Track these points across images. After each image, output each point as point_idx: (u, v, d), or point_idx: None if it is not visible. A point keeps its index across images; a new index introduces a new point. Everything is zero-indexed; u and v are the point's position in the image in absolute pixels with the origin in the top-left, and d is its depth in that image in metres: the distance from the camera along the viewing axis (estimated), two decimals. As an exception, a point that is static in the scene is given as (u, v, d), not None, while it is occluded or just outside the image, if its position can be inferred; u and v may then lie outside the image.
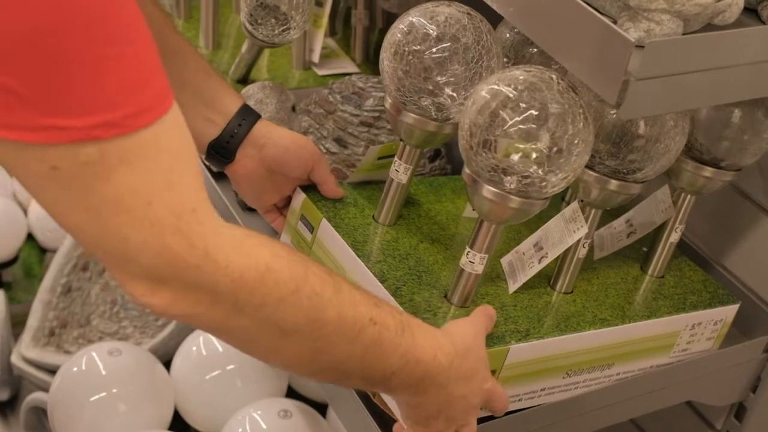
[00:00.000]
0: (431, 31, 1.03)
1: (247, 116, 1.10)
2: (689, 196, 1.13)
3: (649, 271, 1.17)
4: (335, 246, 1.09)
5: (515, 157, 0.93)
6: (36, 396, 1.53)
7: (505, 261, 1.08)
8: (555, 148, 0.93)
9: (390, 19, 1.52)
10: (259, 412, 1.35)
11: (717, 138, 1.08)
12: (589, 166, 1.02)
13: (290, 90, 1.28)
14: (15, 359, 1.61)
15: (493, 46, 1.05)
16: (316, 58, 1.47)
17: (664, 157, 1.02)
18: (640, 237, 1.15)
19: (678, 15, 0.85)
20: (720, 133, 1.08)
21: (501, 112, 0.93)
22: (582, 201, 1.05)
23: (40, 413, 1.56)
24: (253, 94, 1.24)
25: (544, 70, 0.96)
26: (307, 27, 1.37)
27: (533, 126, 0.92)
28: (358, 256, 1.06)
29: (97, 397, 1.40)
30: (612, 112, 1.00)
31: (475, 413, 0.96)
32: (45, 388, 1.51)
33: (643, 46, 0.80)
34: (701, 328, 1.13)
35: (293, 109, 1.21)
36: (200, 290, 0.77)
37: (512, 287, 1.07)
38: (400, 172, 1.10)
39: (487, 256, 1.01)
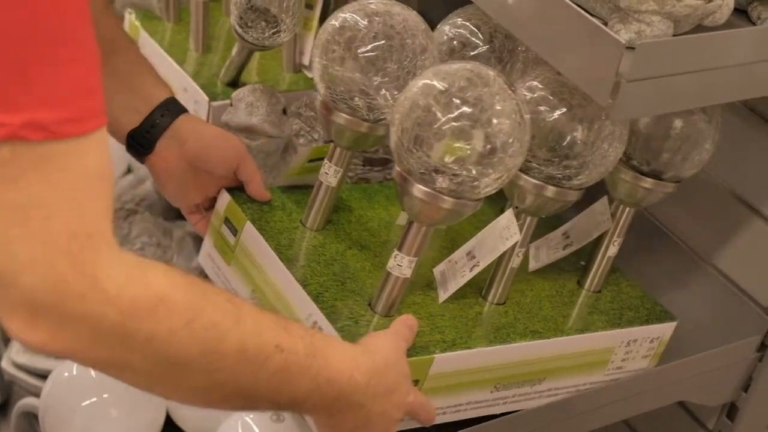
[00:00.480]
0: (364, 28, 1.01)
1: (172, 108, 1.10)
2: (628, 208, 1.11)
3: (586, 285, 1.15)
4: (258, 250, 1.06)
5: (448, 156, 0.91)
6: (27, 401, 1.52)
7: (437, 270, 1.06)
8: (489, 147, 0.91)
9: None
10: (251, 416, 1.35)
11: (657, 148, 1.06)
12: (524, 171, 1.00)
13: (281, 93, 1.27)
14: (5, 364, 1.61)
15: (429, 44, 1.02)
16: (306, 60, 1.47)
17: (601, 163, 0.99)
18: (576, 249, 1.13)
19: (668, 16, 0.85)
20: (660, 143, 1.06)
21: (434, 108, 0.91)
22: (517, 208, 1.03)
23: (31, 418, 1.55)
24: (243, 97, 1.23)
25: (481, 66, 0.94)
26: (298, 30, 1.36)
27: (467, 123, 0.90)
28: (281, 259, 1.03)
29: (88, 402, 1.39)
30: (550, 116, 0.98)
31: (395, 426, 0.94)
32: (36, 393, 1.50)
33: (633, 48, 0.81)
34: (637, 345, 1.11)
35: (284, 112, 1.21)
36: (83, 323, 0.73)
37: (442, 297, 1.04)
38: (329, 174, 1.08)
39: (415, 259, 0.98)
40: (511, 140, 0.92)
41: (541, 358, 1.05)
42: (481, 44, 1.11)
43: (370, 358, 0.91)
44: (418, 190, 0.93)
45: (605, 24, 0.86)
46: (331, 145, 1.07)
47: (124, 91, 1.09)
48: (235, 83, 1.38)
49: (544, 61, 0.91)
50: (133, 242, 1.65)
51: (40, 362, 1.56)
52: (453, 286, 1.03)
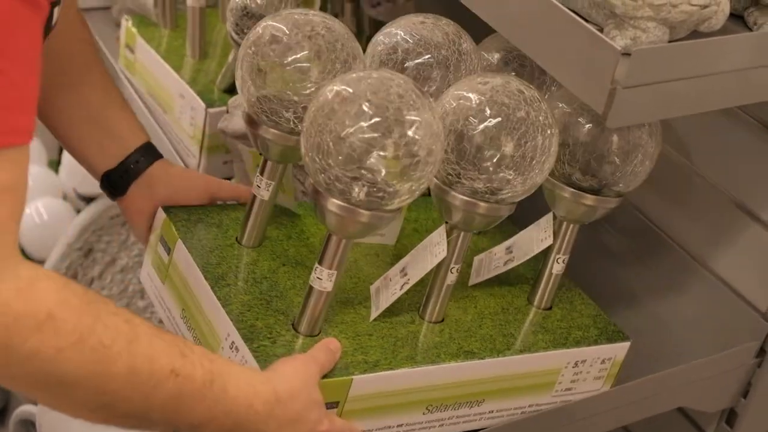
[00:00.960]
0: (285, 36, 0.98)
1: (146, 155, 1.12)
2: (571, 225, 1.07)
3: (535, 303, 1.11)
4: (187, 268, 1.05)
5: (369, 160, 0.88)
6: (25, 408, 1.52)
7: (373, 287, 1.04)
8: (403, 156, 0.89)
9: (377, 26, 1.52)
10: None
11: (597, 164, 1.03)
12: (451, 185, 0.97)
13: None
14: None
15: (358, 52, 1.01)
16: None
17: (530, 177, 0.96)
18: (517, 264, 1.09)
19: (664, 22, 0.85)
20: (600, 158, 1.02)
21: (344, 116, 0.89)
22: (447, 223, 1.00)
23: (29, 426, 1.55)
24: (240, 103, 1.23)
25: (394, 73, 0.92)
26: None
27: (376, 135, 0.88)
28: (206, 278, 1.02)
29: (86, 409, 1.39)
30: (478, 127, 0.95)
31: None
32: (34, 401, 1.50)
33: (629, 54, 0.80)
34: (586, 366, 1.07)
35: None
36: None
37: (373, 314, 1.02)
38: (261, 188, 1.05)
39: (335, 273, 0.96)
40: (424, 149, 0.89)
41: (476, 379, 1.01)
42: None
43: (272, 386, 0.89)
44: (333, 204, 0.92)
45: (601, 30, 0.85)
46: (262, 158, 1.05)
47: (98, 129, 1.11)
48: (231, 90, 1.38)
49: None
50: (131, 248, 1.65)
51: (38, 369, 1.56)
52: (384, 304, 1.01)
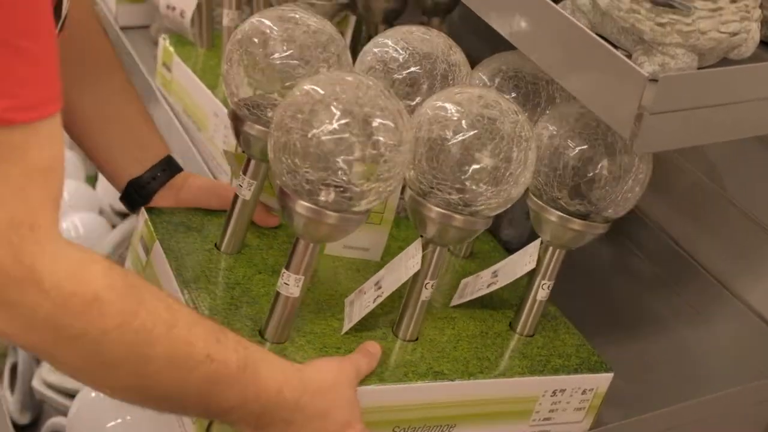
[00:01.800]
0: (273, 34, 0.98)
1: (172, 166, 1.14)
2: (557, 250, 1.04)
3: (518, 329, 1.08)
4: (162, 270, 1.05)
5: (337, 161, 0.88)
6: (56, 420, 1.53)
7: (348, 300, 1.03)
8: (367, 153, 0.88)
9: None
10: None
11: (586, 188, 1.00)
12: (424, 196, 0.96)
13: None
14: (36, 383, 1.63)
15: (346, 55, 1.00)
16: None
17: (506, 188, 0.95)
18: (500, 288, 1.06)
19: (693, 49, 0.85)
20: (588, 182, 0.99)
21: (312, 116, 0.88)
22: (422, 236, 0.99)
23: (59, 438, 1.56)
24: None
25: (366, 76, 0.92)
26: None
27: (345, 136, 0.88)
28: (177, 280, 1.01)
29: (113, 423, 1.40)
30: (452, 137, 0.93)
31: None
32: (65, 413, 1.51)
33: (657, 80, 0.80)
34: (566, 395, 1.04)
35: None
36: (18, 309, 0.75)
37: (345, 327, 1.01)
38: (243, 187, 1.04)
39: (302, 278, 0.95)
40: (391, 150, 0.89)
41: (445, 401, 0.99)
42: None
43: (303, 376, 0.91)
44: (301, 206, 0.91)
45: (629, 56, 0.86)
46: (245, 156, 1.04)
47: (131, 142, 1.12)
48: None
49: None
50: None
51: (69, 382, 1.58)
52: (356, 317, 1.00)
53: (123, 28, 1.74)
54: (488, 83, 1.10)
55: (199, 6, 1.50)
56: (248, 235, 1.10)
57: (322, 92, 0.89)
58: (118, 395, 0.86)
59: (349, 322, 1.00)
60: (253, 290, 1.03)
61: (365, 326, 1.01)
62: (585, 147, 0.99)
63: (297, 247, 0.94)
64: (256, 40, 0.99)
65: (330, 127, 0.88)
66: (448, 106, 0.95)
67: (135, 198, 1.13)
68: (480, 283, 1.08)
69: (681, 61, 0.85)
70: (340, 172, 0.89)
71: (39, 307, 0.75)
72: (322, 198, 0.90)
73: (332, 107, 0.88)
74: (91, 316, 0.78)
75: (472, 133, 0.93)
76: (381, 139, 0.89)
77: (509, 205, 0.97)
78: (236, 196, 1.06)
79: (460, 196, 0.94)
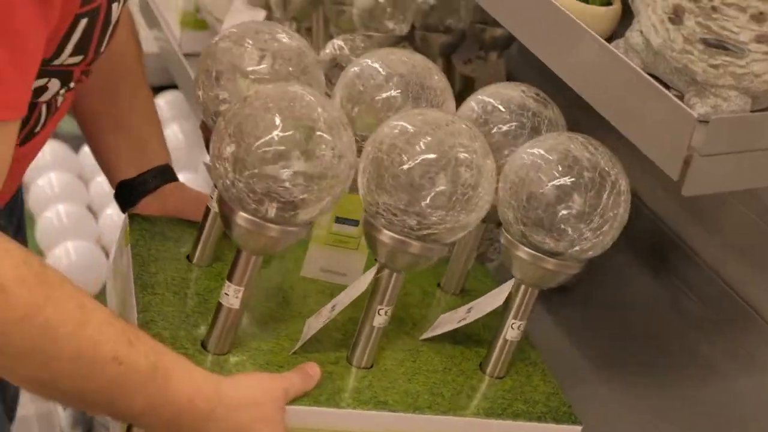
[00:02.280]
0: (241, 44, 1.01)
1: (165, 174, 1.16)
2: (529, 288, 1.00)
3: (487, 370, 1.03)
4: (127, 273, 1.05)
5: (279, 172, 0.88)
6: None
7: (308, 321, 1.01)
8: (308, 167, 0.89)
9: (468, 83, 1.54)
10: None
11: (558, 225, 0.95)
12: (372, 216, 0.94)
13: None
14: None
15: (315, 72, 1.02)
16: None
17: (459, 218, 0.93)
18: (467, 323, 1.03)
19: (746, 92, 0.84)
20: (561, 219, 0.95)
21: (254, 128, 0.89)
22: (377, 261, 0.97)
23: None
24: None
25: (313, 90, 0.93)
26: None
27: (284, 148, 0.88)
28: (135, 283, 1.01)
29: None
30: (403, 166, 0.92)
31: None
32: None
33: (707, 122, 0.80)
34: None
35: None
36: None
37: (295, 347, 0.99)
38: (214, 199, 1.04)
39: (242, 289, 0.94)
40: (332, 166, 0.90)
41: None
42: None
43: (217, 387, 0.90)
44: (242, 218, 0.91)
45: (682, 97, 0.85)
46: None
47: (124, 137, 1.16)
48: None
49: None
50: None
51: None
52: (305, 337, 0.99)
53: (186, 55, 1.77)
54: (478, 111, 1.08)
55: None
56: (225, 250, 1.09)
57: (264, 103, 0.91)
58: (24, 387, 0.87)
59: (301, 342, 0.99)
60: (210, 302, 1.02)
61: (319, 349, 1.00)
62: (558, 181, 0.95)
63: (239, 259, 0.94)
64: (222, 46, 1.02)
65: (272, 139, 0.89)
66: (405, 125, 0.94)
67: (124, 199, 1.16)
68: (453, 319, 1.05)
69: (734, 103, 0.84)
70: (281, 184, 0.89)
71: None
72: (263, 210, 0.90)
73: (276, 119, 0.89)
74: None
75: (424, 157, 0.92)
76: (322, 154, 0.90)
77: (463, 234, 0.95)
78: (208, 209, 1.07)
79: (416, 221, 0.92)
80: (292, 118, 0.90)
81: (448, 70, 1.56)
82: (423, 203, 0.92)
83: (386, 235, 0.94)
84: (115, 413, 0.90)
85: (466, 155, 0.93)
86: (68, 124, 2.20)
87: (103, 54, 0.95)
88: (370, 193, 0.94)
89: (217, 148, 0.92)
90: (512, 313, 1.01)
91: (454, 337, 1.06)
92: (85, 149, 2.25)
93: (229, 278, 0.95)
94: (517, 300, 1.01)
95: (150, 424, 0.89)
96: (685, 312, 1.30)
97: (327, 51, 1.24)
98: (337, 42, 1.24)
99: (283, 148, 0.89)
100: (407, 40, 1.47)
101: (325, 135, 0.90)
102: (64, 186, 2.13)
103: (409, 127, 0.94)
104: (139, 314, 0.99)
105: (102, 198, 2.13)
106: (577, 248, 0.96)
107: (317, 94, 0.94)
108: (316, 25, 1.56)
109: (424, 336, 1.07)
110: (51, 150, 2.23)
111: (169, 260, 1.07)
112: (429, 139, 0.93)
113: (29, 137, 1.00)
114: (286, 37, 1.03)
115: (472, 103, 1.09)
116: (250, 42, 1.01)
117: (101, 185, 2.15)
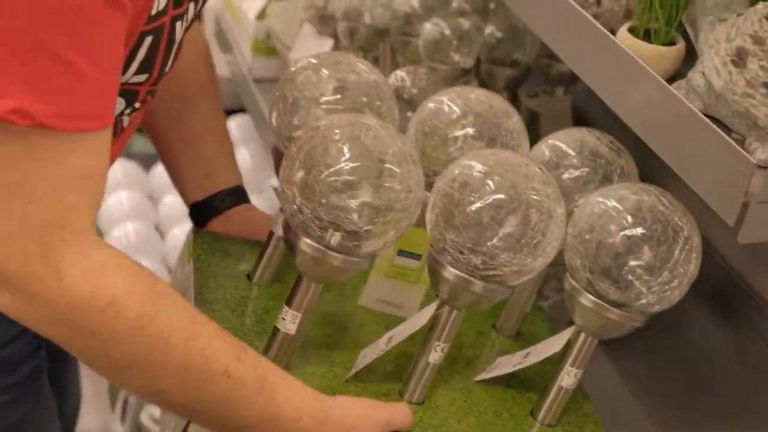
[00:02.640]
0: (316, 72, 1.03)
1: (234, 196, 1.18)
2: (589, 337, 0.99)
3: (538, 417, 1.02)
4: (188, 288, 1.07)
5: (346, 202, 0.89)
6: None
7: (362, 352, 1.01)
8: (380, 202, 0.90)
9: (534, 117, 1.53)
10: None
11: (624, 275, 0.93)
12: (438, 251, 0.94)
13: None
14: (144, 418, 1.67)
15: (390, 110, 1.03)
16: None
17: (532, 257, 0.92)
18: (521, 368, 1.03)
19: (809, 137, 0.82)
20: (630, 270, 0.93)
21: (320, 156, 0.90)
22: (438, 297, 0.97)
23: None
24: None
25: (385, 125, 0.93)
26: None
27: (354, 178, 0.89)
28: (196, 298, 1.03)
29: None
30: (474, 205, 0.92)
31: None
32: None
33: (766, 168, 0.78)
34: None
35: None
36: (38, 303, 0.81)
37: (348, 375, 1.00)
38: (278, 224, 1.05)
39: (299, 315, 0.95)
40: (399, 200, 0.90)
41: None
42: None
43: (323, 406, 0.91)
44: (306, 244, 0.92)
45: (743, 141, 0.84)
46: None
47: (195, 159, 1.18)
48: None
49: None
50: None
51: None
52: (360, 365, 0.99)
53: (256, 80, 1.80)
54: (550, 155, 1.08)
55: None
56: (286, 272, 1.09)
57: (484, 169, 0.92)
58: (138, 393, 0.90)
59: (354, 370, 1.00)
60: (266, 323, 1.03)
61: (372, 380, 1.00)
62: (629, 232, 0.94)
63: (299, 285, 0.96)
64: (297, 77, 1.04)
65: (341, 169, 0.90)
66: (476, 164, 0.95)
67: (196, 220, 1.19)
68: (510, 362, 1.05)
69: (796, 148, 0.82)
70: (348, 214, 0.90)
71: (57, 303, 0.81)
72: (327, 239, 0.91)
73: (344, 150, 0.91)
74: (105, 318, 0.82)
75: (494, 197, 0.92)
76: (390, 186, 0.91)
77: (528, 277, 0.95)
78: (272, 232, 1.08)
79: (474, 258, 0.93)
80: (362, 149, 0.91)
81: (513, 104, 1.56)
82: (490, 243, 0.92)
83: (450, 272, 0.94)
84: (223, 426, 0.91)
85: (538, 199, 0.93)
86: (140, 143, 2.27)
87: (167, 74, 0.97)
88: (438, 229, 0.95)
89: (287, 174, 0.93)
90: (570, 361, 1.00)
91: (507, 380, 1.06)
92: (157, 168, 2.30)
93: (288, 303, 0.96)
94: (576, 347, 1.00)
95: None
96: (756, 362, 1.26)
97: (389, 82, 1.25)
98: (400, 73, 1.24)
99: (351, 178, 0.90)
100: (472, 73, 1.47)
101: (394, 168, 0.91)
102: (134, 205, 2.17)
103: (482, 166, 0.94)
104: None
105: (170, 218, 2.16)
106: (642, 301, 0.95)
107: (389, 127, 0.95)
108: (383, 56, 1.57)
109: (480, 377, 1.06)
110: (122, 168, 2.27)
111: (229, 277, 1.09)
112: (501, 179, 0.93)
113: None
114: (364, 69, 1.05)
115: (544, 146, 1.09)
116: (328, 72, 1.03)
117: (170, 205, 2.18)
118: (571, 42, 0.98)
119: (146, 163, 2.34)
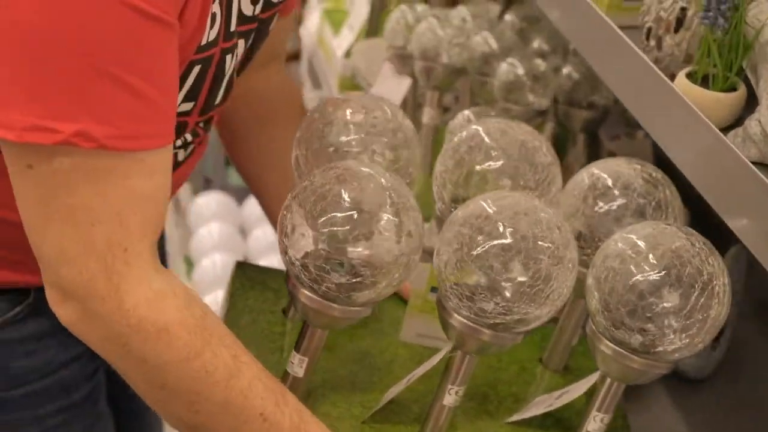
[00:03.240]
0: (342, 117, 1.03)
1: None
2: (615, 383, 0.95)
3: None
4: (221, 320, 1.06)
5: (345, 251, 0.89)
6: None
7: (386, 395, 1.00)
8: (371, 249, 0.90)
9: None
10: None
11: (645, 322, 0.89)
12: (446, 298, 0.93)
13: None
14: None
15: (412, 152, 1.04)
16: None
17: (535, 306, 0.90)
18: (551, 410, 1.00)
19: None
20: (652, 317, 0.89)
21: (310, 207, 0.91)
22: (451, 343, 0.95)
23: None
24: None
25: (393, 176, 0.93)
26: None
27: (347, 228, 0.89)
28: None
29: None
30: (474, 251, 0.90)
31: None
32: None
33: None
34: None
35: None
36: (98, 321, 0.83)
37: (367, 416, 0.99)
38: None
39: (306, 359, 0.96)
40: (390, 249, 0.90)
41: None
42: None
43: None
44: (304, 295, 0.93)
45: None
46: None
47: (283, 184, 1.16)
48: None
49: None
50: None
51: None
52: (380, 405, 0.99)
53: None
54: (588, 183, 1.04)
55: (404, 102, 1.55)
56: None
57: (489, 212, 0.91)
58: (173, 423, 0.90)
59: (374, 410, 1.00)
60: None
61: (392, 421, 0.99)
62: (646, 276, 0.89)
63: (305, 331, 0.96)
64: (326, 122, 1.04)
65: (336, 217, 0.90)
66: (487, 208, 0.92)
67: None
68: (543, 403, 1.02)
69: None
70: (347, 262, 0.91)
71: (115, 323, 0.83)
72: (325, 288, 0.92)
73: (344, 195, 0.91)
74: (156, 344, 0.84)
75: (503, 241, 0.90)
76: (386, 235, 0.91)
77: (537, 324, 0.93)
78: None
79: (493, 308, 0.90)
80: (352, 201, 0.91)
81: (591, 146, 1.53)
82: (495, 291, 0.90)
83: (456, 320, 0.93)
84: None
85: (545, 245, 0.91)
86: (235, 176, 2.31)
87: (218, 107, 0.98)
88: (444, 274, 0.94)
89: (281, 225, 0.94)
90: (596, 406, 0.97)
91: (543, 422, 1.03)
92: (249, 201, 2.34)
93: (296, 348, 0.97)
94: (602, 392, 0.96)
95: None
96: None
97: (455, 121, 1.25)
98: (467, 113, 1.24)
99: (345, 228, 0.90)
100: (548, 114, 1.45)
101: (390, 217, 0.91)
102: (224, 237, 2.22)
103: (491, 209, 0.92)
104: None
105: (258, 251, 2.20)
106: (661, 348, 0.91)
107: (391, 176, 0.94)
108: (462, 95, 1.57)
109: (510, 419, 1.04)
110: (216, 201, 2.32)
111: (262, 312, 1.11)
112: (503, 225, 0.91)
113: None
114: (385, 111, 1.04)
115: (584, 174, 1.06)
116: (345, 113, 1.03)
117: (258, 238, 2.22)
118: (630, 85, 0.96)
119: (240, 195, 2.38)
